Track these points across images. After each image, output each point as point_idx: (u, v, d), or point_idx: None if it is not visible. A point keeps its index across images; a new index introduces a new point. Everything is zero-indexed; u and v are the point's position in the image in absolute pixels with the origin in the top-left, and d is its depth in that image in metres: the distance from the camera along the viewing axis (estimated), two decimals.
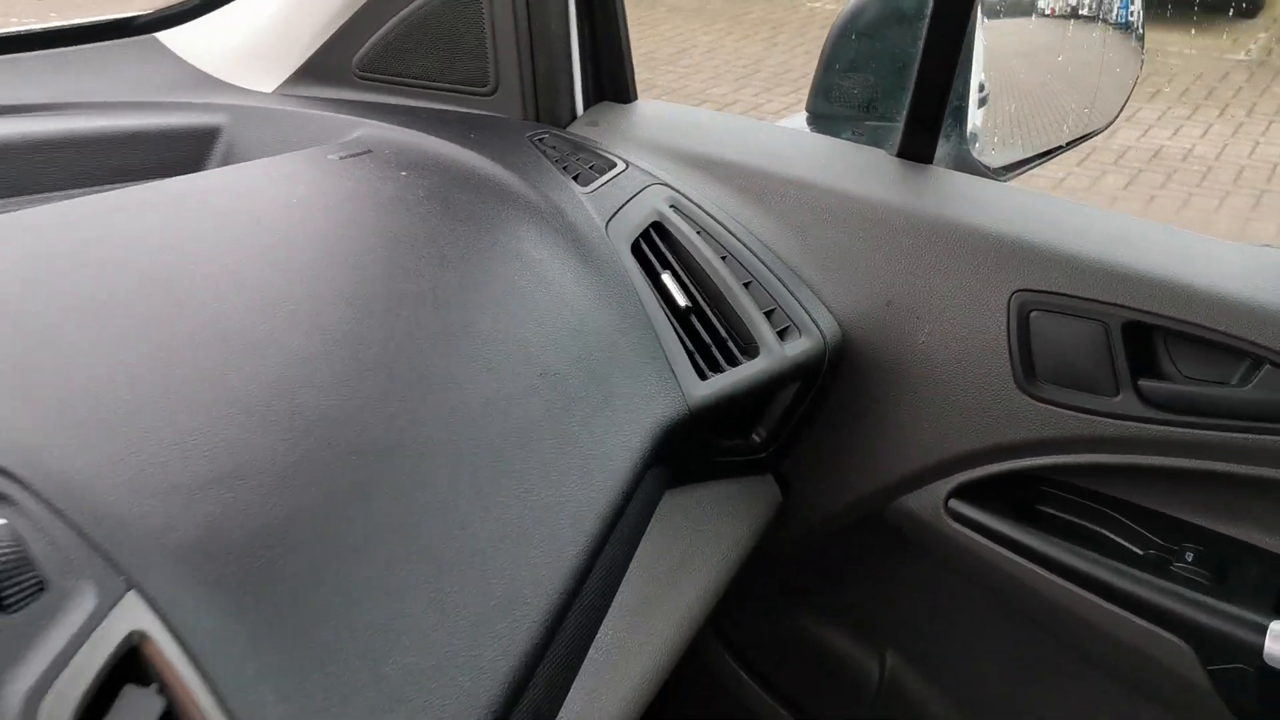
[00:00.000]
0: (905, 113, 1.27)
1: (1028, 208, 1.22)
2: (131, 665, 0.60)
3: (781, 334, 1.20)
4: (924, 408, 1.22)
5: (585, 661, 0.98)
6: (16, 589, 0.58)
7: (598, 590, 0.98)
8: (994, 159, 1.46)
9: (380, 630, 0.71)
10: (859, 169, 1.30)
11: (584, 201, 1.22)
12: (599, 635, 1.00)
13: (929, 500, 1.26)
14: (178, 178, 1.14)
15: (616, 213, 1.23)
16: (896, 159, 1.29)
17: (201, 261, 0.92)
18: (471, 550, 0.79)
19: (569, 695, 0.93)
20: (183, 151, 1.32)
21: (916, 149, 1.28)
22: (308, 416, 0.78)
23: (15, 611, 0.58)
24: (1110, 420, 1.13)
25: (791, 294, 1.22)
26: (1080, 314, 1.13)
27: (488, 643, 0.76)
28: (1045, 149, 1.51)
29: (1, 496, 0.63)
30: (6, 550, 0.59)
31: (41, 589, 0.59)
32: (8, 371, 0.74)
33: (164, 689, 0.60)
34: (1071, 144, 1.52)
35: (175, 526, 0.67)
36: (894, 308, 1.22)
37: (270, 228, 1.01)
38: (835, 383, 1.25)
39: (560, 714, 0.94)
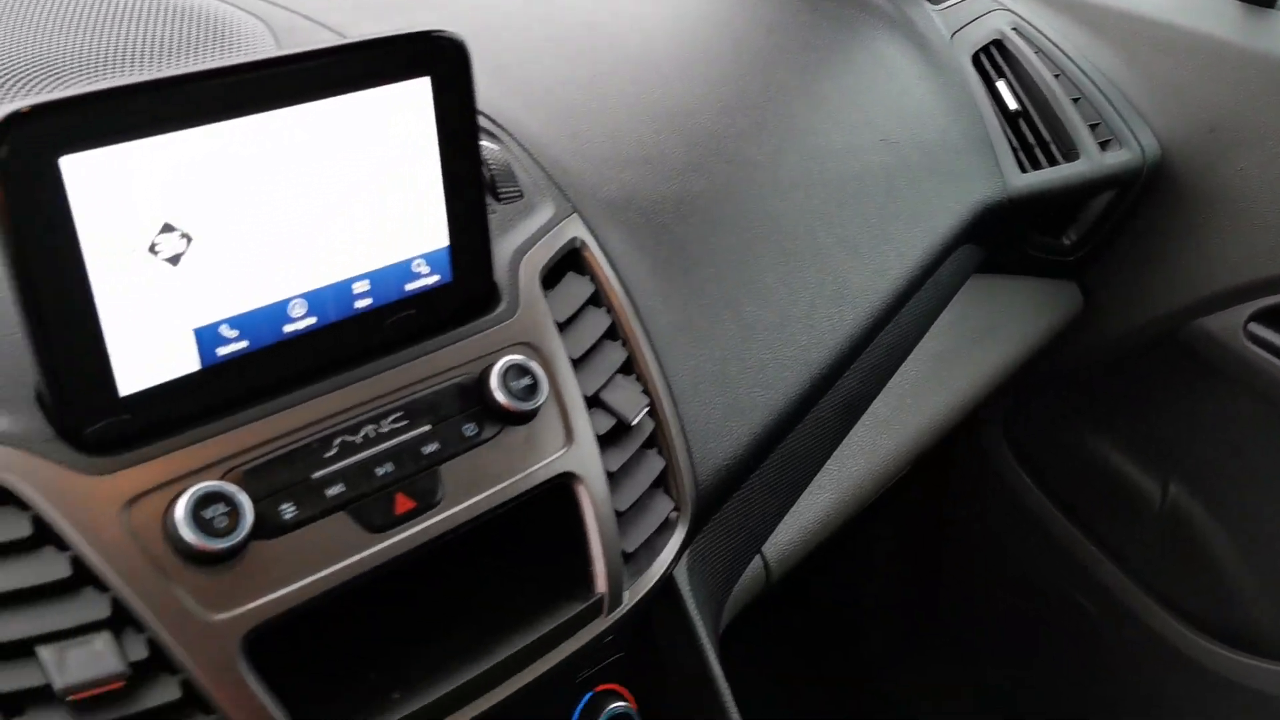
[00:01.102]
0: None
1: None
2: (572, 262, 0.84)
3: (1103, 146, 1.31)
4: (1233, 230, 1.30)
5: (884, 391, 1.16)
6: (506, 189, 0.83)
7: (907, 329, 1.15)
8: None
9: (740, 285, 0.93)
10: (1199, 8, 1.37)
11: (933, 16, 1.37)
12: (901, 369, 1.18)
13: (1229, 322, 1.35)
14: None
15: (962, 28, 1.37)
16: (1237, 1, 1.35)
17: (627, 18, 1.15)
18: (814, 249, 0.99)
19: (872, 404, 1.12)
20: None
21: None
22: (701, 131, 1.00)
23: (504, 203, 0.82)
24: None
25: (1116, 111, 1.33)
26: None
27: (821, 316, 0.96)
28: None
29: (492, 134, 0.88)
30: (500, 161, 0.83)
31: (520, 195, 0.84)
32: (496, 74, 0.99)
33: (594, 279, 0.83)
34: None
35: (604, 185, 0.90)
36: (1216, 134, 1.30)
37: (675, 3, 1.23)
38: (1149, 198, 1.35)
39: (858, 426, 1.13)
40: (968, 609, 1.79)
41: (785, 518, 1.01)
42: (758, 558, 0.99)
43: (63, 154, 0.56)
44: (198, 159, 0.61)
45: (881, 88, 1.21)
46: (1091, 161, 1.29)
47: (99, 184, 0.58)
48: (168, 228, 0.61)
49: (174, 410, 0.63)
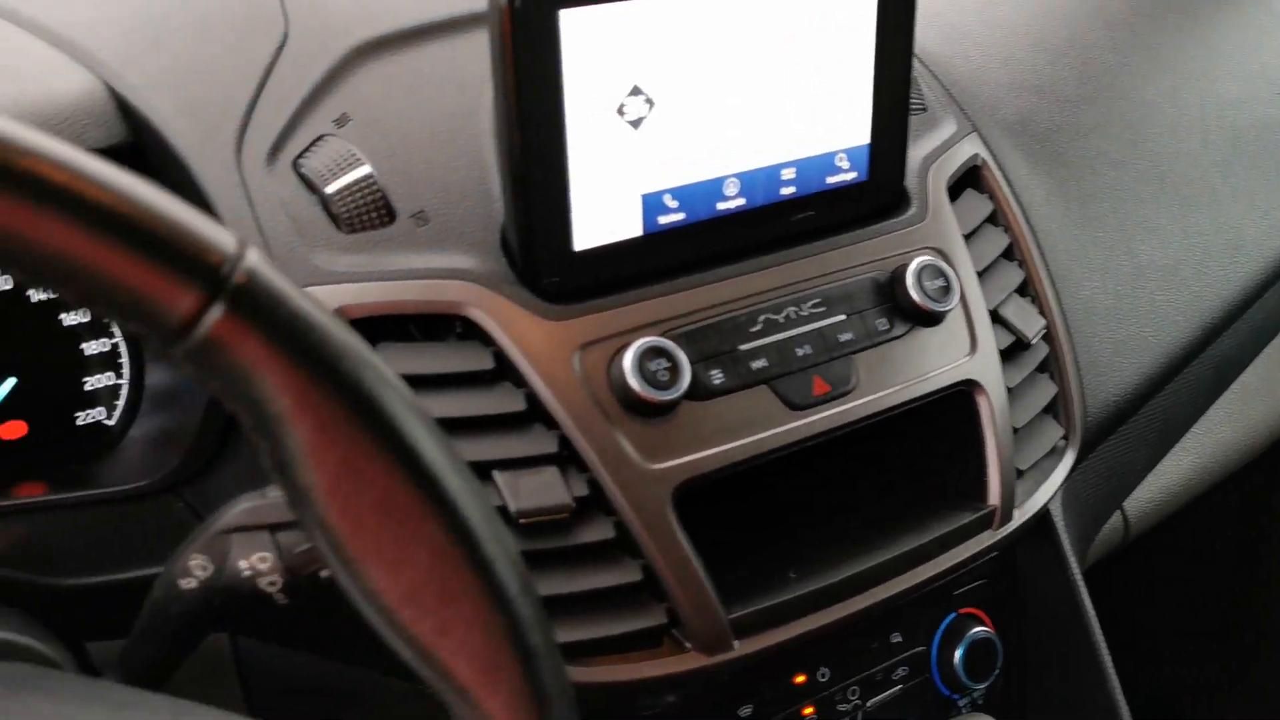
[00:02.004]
0: None
1: None
2: (970, 179, 0.82)
3: None
4: None
5: (1255, 360, 1.09)
6: (913, 98, 0.82)
7: None
8: None
9: (1135, 224, 0.89)
10: None
11: None
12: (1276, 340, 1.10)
13: None
14: None
15: None
16: None
17: None
18: (1210, 197, 0.94)
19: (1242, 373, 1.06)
20: None
21: None
22: (1096, 66, 0.96)
23: (910, 113, 0.81)
24: None
25: None
26: None
27: (1215, 265, 0.91)
28: None
29: None
30: None
31: (924, 108, 0.83)
32: None
33: (992, 197, 0.82)
34: None
35: (1000, 108, 0.88)
36: None
37: None
38: None
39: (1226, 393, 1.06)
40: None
41: (1147, 476, 0.97)
42: (1118, 512, 0.95)
43: (563, 7, 0.59)
44: (670, 25, 0.63)
45: (1275, 40, 1.13)
46: None
47: (587, 41, 0.60)
48: (636, 90, 0.63)
49: (617, 271, 0.65)
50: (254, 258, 0.32)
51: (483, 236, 0.64)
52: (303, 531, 0.37)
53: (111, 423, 0.73)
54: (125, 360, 0.72)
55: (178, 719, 0.40)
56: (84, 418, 0.72)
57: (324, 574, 0.50)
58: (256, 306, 0.32)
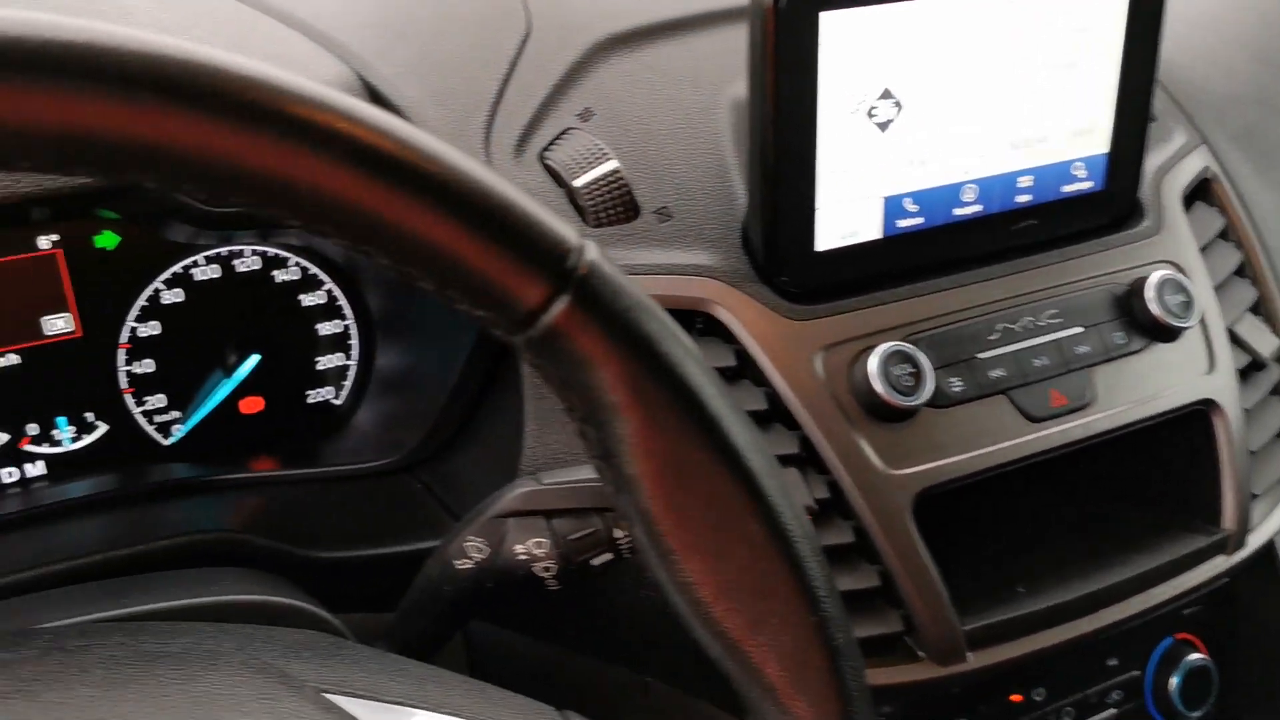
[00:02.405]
0: None
1: None
2: (1200, 192, 0.80)
3: None
4: None
5: None
6: None
7: None
8: None
9: None
10: None
11: None
12: None
13: None
14: None
15: None
16: None
17: None
18: None
19: None
20: None
21: None
22: None
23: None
24: None
25: None
26: None
27: None
28: None
29: None
30: None
31: (1154, 119, 0.80)
32: None
33: (1223, 212, 0.79)
34: None
35: (1226, 120, 0.85)
36: None
37: None
38: None
39: None
40: None
41: None
42: None
43: (824, 9, 0.59)
44: (922, 30, 0.62)
45: None
46: None
47: (843, 43, 0.60)
48: (886, 93, 0.62)
49: (856, 273, 0.65)
50: (594, 251, 0.33)
51: (723, 234, 0.64)
52: (621, 518, 0.38)
53: (339, 402, 0.75)
54: (355, 342, 0.74)
55: (471, 696, 0.41)
56: (314, 396, 0.74)
57: (596, 562, 0.51)
58: (597, 299, 0.33)
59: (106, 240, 0.67)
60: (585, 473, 0.52)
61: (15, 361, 0.67)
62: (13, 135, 0.27)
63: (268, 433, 0.73)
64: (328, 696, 0.39)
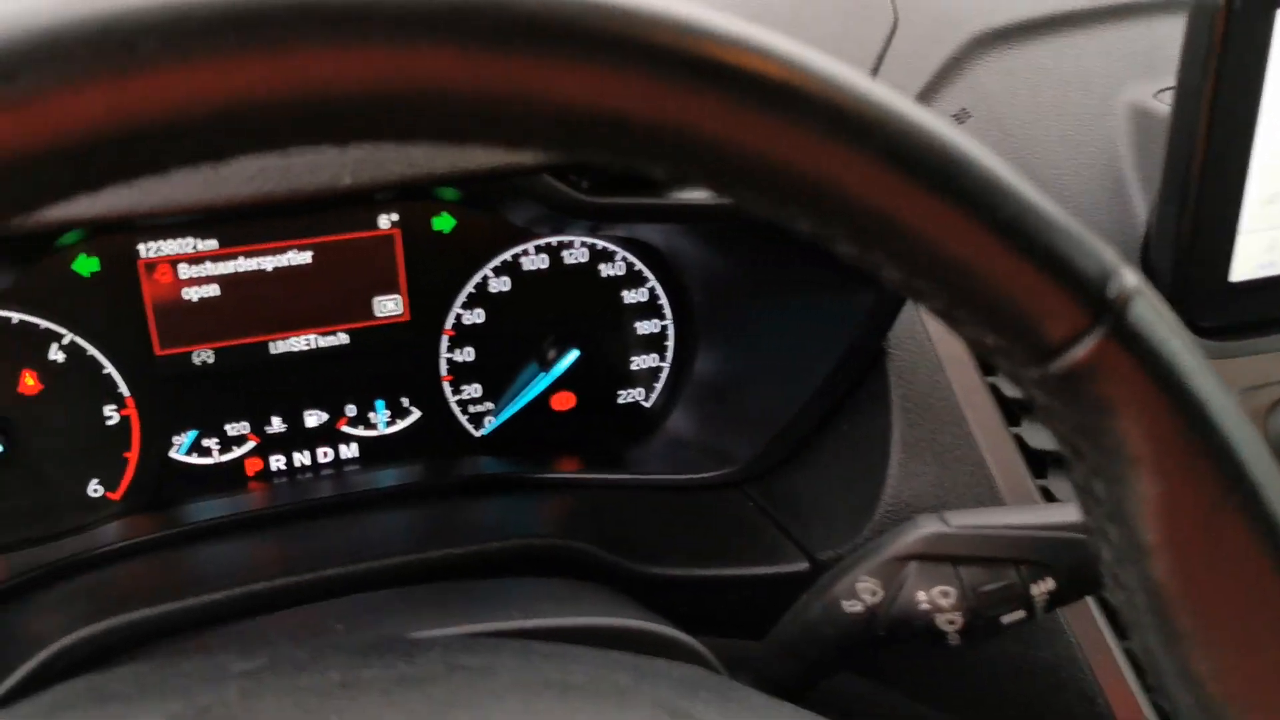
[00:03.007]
0: None
1: None
2: None
3: None
4: None
5: None
6: None
7: None
8: None
9: None
10: None
11: None
12: None
13: None
14: None
15: None
16: None
17: None
18: None
19: None
20: None
21: None
22: None
23: None
24: None
25: None
26: None
27: None
28: None
29: None
30: None
31: None
32: None
33: None
34: None
35: None
36: None
37: None
38: None
39: None
40: None
41: None
42: None
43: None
44: None
45: None
46: None
47: None
48: None
49: (1270, 308, 0.57)
50: (1133, 278, 0.27)
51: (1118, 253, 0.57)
52: (1116, 589, 0.32)
53: (649, 405, 0.71)
54: (670, 343, 0.70)
55: None
56: (624, 396, 0.71)
57: (1006, 620, 0.45)
58: (1138, 335, 0.27)
59: (443, 223, 0.64)
60: (996, 517, 0.46)
61: (344, 341, 0.65)
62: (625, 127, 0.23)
63: (576, 432, 0.70)
64: None
